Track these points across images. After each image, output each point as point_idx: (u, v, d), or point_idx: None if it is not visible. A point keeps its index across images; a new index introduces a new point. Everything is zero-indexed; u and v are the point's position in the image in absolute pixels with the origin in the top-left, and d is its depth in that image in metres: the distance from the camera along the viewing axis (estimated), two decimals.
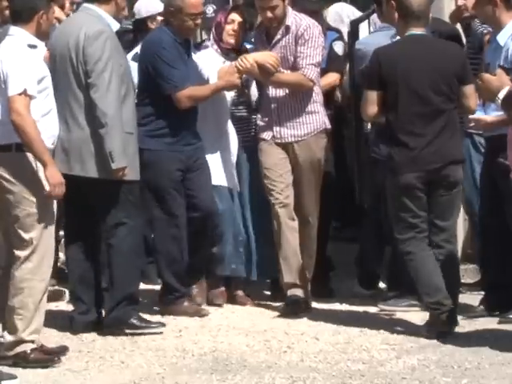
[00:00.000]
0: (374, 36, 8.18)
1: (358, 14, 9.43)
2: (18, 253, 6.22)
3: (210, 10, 7.86)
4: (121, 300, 7.00)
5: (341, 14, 9.21)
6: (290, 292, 6.95)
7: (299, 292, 6.98)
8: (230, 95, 6.92)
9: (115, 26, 7.21)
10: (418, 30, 6.96)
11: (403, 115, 6.59)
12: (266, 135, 6.80)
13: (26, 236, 6.26)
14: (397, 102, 6.50)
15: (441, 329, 6.72)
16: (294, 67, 6.65)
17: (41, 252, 6.37)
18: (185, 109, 6.68)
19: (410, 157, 6.48)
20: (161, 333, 6.85)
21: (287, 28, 6.66)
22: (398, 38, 7.18)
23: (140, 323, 6.91)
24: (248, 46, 7.29)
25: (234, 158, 7.07)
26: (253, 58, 6.50)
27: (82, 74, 6.97)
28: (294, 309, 6.94)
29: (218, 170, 6.99)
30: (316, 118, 6.76)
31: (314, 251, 7.17)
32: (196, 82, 6.75)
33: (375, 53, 6.64)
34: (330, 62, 7.54)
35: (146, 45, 6.94)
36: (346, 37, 8.50)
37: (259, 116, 6.90)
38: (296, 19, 6.70)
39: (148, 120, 6.83)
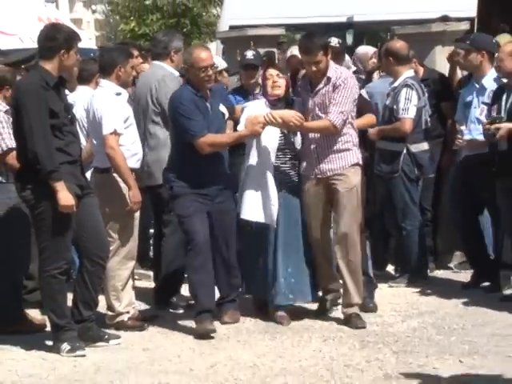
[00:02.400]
0: (378, 82, 8.93)
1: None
2: (110, 248, 6.96)
3: (249, 54, 7.86)
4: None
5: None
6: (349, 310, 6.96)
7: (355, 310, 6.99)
8: (277, 140, 6.84)
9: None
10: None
11: None
12: (309, 172, 6.82)
13: (114, 236, 7.07)
14: None
15: None
16: (327, 111, 6.64)
17: (125, 248, 7.16)
18: (208, 154, 6.64)
19: None
20: None
21: (328, 79, 6.65)
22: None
23: None
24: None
25: (274, 197, 6.83)
26: (279, 116, 6.49)
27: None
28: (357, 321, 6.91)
29: (258, 207, 6.85)
30: (350, 154, 6.77)
31: (358, 265, 6.99)
32: (217, 129, 6.73)
33: None
34: (363, 106, 7.35)
35: (170, 101, 6.98)
36: None
37: (302, 156, 6.92)
38: (337, 71, 6.71)
39: (176, 165, 6.87)
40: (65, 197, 6.27)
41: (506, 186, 7.34)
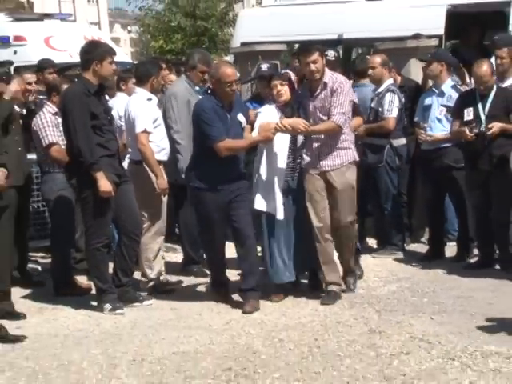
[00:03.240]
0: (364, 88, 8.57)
1: None
2: (143, 226, 7.00)
3: (264, 66, 7.46)
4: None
5: None
6: (329, 287, 6.67)
7: (335, 288, 6.67)
8: (287, 144, 6.54)
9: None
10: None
11: None
12: (310, 166, 6.48)
13: (146, 216, 7.05)
14: None
15: None
16: (330, 113, 6.35)
17: (155, 226, 7.14)
18: (225, 156, 6.31)
19: None
20: None
21: (325, 84, 6.37)
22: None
23: None
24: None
25: (279, 192, 6.51)
26: (288, 123, 6.22)
27: None
28: (330, 299, 6.59)
29: (267, 200, 6.52)
30: (347, 153, 6.48)
31: (352, 248, 6.83)
32: (235, 136, 6.38)
33: None
34: (353, 108, 6.96)
35: (194, 108, 6.67)
36: None
37: (304, 153, 6.56)
38: (332, 77, 6.44)
39: (197, 165, 6.56)
40: (104, 184, 6.33)
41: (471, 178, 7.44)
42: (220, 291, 6.82)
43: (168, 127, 7.57)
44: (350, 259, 6.84)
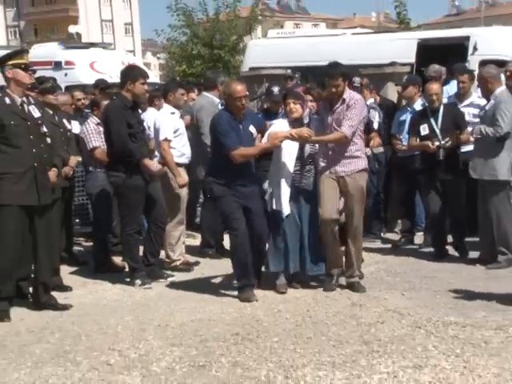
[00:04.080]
0: None
1: None
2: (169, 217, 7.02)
3: (276, 90, 7.13)
4: None
5: None
6: (332, 271, 6.23)
7: (335, 272, 6.25)
8: (296, 152, 6.13)
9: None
10: None
11: None
12: (325, 171, 6.08)
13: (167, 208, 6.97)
14: None
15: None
16: (341, 125, 5.99)
17: (176, 217, 7.15)
18: (240, 163, 5.95)
19: None
20: None
21: (343, 100, 5.99)
22: None
23: None
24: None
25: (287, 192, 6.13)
26: (295, 132, 5.91)
27: None
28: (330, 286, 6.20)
29: (284, 200, 6.11)
30: (359, 161, 6.07)
31: (360, 246, 6.41)
32: (247, 145, 6.02)
33: None
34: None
35: (211, 121, 6.33)
36: None
37: (320, 159, 6.16)
38: (350, 95, 6.07)
39: (215, 171, 6.16)
40: (155, 168, 6.59)
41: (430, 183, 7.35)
42: (248, 293, 6.02)
43: (199, 133, 7.61)
44: (357, 259, 6.33)
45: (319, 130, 6.18)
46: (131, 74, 6.72)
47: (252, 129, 6.19)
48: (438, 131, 7.05)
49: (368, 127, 7.63)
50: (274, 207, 6.18)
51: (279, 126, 6.24)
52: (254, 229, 6.06)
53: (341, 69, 6.01)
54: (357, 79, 6.56)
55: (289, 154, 6.09)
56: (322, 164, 6.14)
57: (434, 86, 7.21)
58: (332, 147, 6.14)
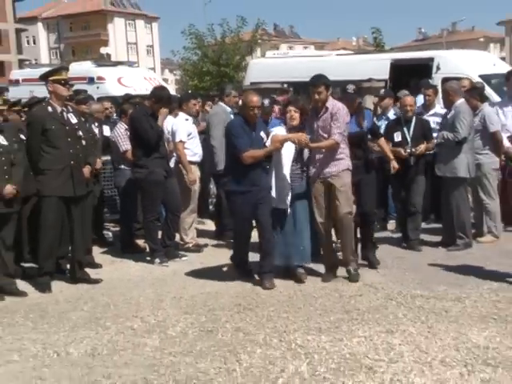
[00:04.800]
0: None
1: None
2: (183, 206, 6.82)
3: (266, 102, 6.69)
4: None
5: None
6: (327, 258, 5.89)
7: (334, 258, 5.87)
8: (292, 154, 5.80)
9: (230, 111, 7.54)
10: None
11: None
12: (315, 175, 5.73)
13: (182, 199, 6.78)
14: None
15: None
16: (330, 132, 5.60)
17: (189, 207, 7.04)
18: (249, 164, 5.58)
19: None
20: None
21: (326, 108, 5.62)
22: None
23: None
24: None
25: (288, 191, 5.78)
26: (294, 137, 5.56)
27: None
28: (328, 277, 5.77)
29: (284, 198, 5.75)
30: (343, 162, 5.67)
31: (351, 236, 5.90)
32: (258, 148, 5.65)
33: None
34: (374, 131, 6.41)
35: (226, 126, 6.04)
36: None
37: (311, 166, 5.80)
38: (333, 103, 5.67)
39: (229, 173, 5.85)
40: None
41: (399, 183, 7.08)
42: (243, 269, 5.94)
43: (209, 135, 7.51)
44: (349, 248, 5.86)
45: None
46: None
47: (263, 134, 5.86)
48: (409, 139, 6.90)
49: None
50: (274, 205, 5.76)
51: (278, 132, 5.90)
52: (262, 221, 5.68)
53: (323, 79, 5.74)
54: (350, 86, 6.15)
55: (287, 156, 5.80)
56: (312, 169, 5.78)
57: (409, 99, 7.09)
58: (320, 153, 5.78)
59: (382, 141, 6.42)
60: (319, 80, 5.70)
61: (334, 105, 5.69)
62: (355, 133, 5.92)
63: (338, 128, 5.61)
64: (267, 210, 5.68)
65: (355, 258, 5.95)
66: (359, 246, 6.33)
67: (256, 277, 5.77)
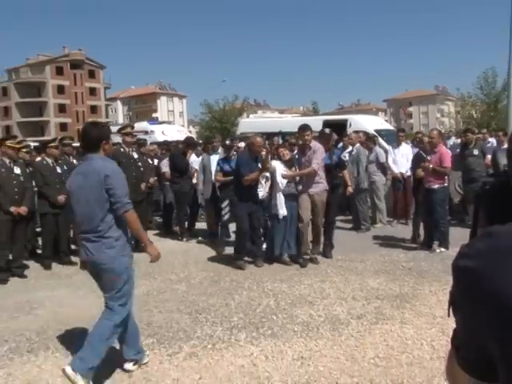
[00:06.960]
0: None
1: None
2: None
3: (327, 130, 5.52)
4: None
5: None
6: (304, 256, 5.02)
7: (307, 256, 5.01)
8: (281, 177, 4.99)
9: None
10: None
11: None
12: (302, 191, 5.00)
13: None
14: None
15: None
16: (311, 163, 4.94)
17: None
18: (248, 185, 4.86)
19: None
20: None
21: (310, 147, 4.96)
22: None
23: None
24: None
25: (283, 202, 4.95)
26: (289, 174, 5.00)
27: None
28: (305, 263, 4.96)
29: (279, 206, 4.97)
30: (322, 185, 5.02)
31: (320, 236, 5.17)
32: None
33: None
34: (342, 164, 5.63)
35: (237, 157, 5.31)
36: None
37: (300, 185, 5.06)
38: (314, 143, 5.03)
39: (236, 190, 5.04)
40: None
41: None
42: (241, 254, 5.04)
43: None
44: (319, 239, 5.23)
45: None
46: (188, 141, 6.47)
47: (259, 165, 4.99)
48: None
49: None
50: (273, 211, 5.06)
51: (275, 165, 5.12)
52: (254, 224, 4.99)
53: (309, 127, 5.14)
54: (327, 129, 5.45)
55: (281, 178, 5.04)
56: (300, 187, 5.07)
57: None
58: (306, 178, 5.06)
59: (345, 171, 5.88)
60: (307, 127, 5.15)
61: (315, 145, 5.09)
62: (328, 164, 5.30)
63: (317, 160, 4.99)
64: (258, 221, 5.05)
65: (319, 246, 5.29)
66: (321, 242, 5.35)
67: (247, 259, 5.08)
